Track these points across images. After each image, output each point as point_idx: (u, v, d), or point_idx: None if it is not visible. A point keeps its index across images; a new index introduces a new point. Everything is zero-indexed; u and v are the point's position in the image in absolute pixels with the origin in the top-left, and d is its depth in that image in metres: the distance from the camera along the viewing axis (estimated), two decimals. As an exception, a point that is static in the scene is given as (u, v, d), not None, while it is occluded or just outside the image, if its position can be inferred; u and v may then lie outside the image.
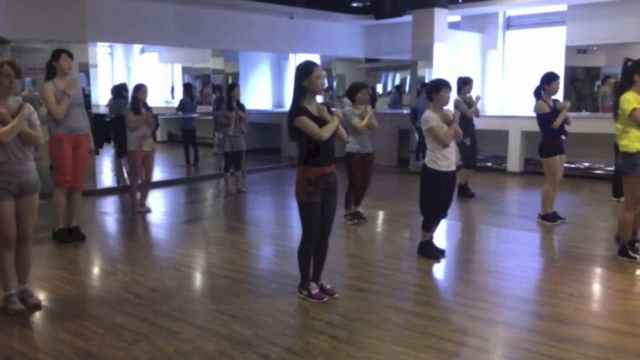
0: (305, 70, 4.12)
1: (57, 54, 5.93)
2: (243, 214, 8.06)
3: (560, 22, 10.69)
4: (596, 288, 4.92)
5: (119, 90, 10.49)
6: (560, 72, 10.49)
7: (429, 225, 5.44)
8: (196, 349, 3.61)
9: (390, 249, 6.04)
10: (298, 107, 4.13)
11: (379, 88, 14.58)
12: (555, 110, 6.46)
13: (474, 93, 8.63)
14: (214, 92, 11.41)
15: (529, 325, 3.99)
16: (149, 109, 7.62)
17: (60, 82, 5.90)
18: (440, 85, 5.16)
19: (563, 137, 6.54)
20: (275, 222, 7.64)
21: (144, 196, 7.79)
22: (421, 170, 5.37)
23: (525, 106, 11.08)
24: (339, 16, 12.22)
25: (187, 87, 12.16)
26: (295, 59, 13.80)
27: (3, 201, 4.03)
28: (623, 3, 9.74)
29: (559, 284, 4.90)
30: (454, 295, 4.68)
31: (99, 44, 10.25)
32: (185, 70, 14.15)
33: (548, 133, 6.49)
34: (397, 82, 14.28)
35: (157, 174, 9.35)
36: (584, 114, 10.44)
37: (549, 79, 6.50)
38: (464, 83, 8.34)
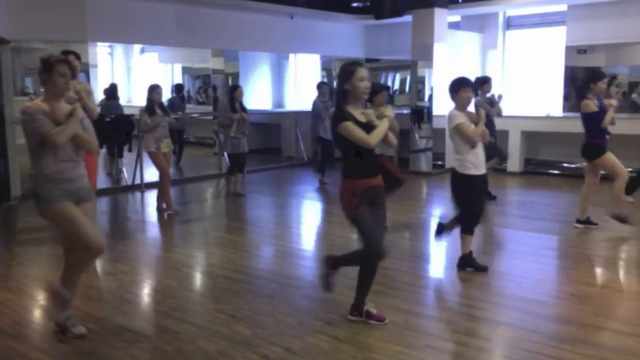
0: (346, 72, 3.75)
1: (64, 55, 5.80)
2: (243, 214, 8.06)
3: (560, 22, 10.69)
4: (596, 288, 4.91)
5: (112, 92, 10.49)
6: (560, 72, 10.55)
7: (472, 228, 5.05)
8: (196, 349, 3.61)
9: (391, 249, 6.02)
10: (341, 112, 3.75)
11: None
12: (602, 109, 6.21)
13: (493, 92, 8.39)
14: (212, 92, 11.41)
15: (529, 325, 3.99)
16: (165, 109, 7.49)
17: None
18: (459, 85, 4.89)
19: (607, 136, 6.29)
20: (275, 222, 7.64)
21: (169, 197, 7.62)
22: (451, 176, 5.06)
23: (525, 106, 11.11)
24: (339, 16, 12.22)
25: (178, 88, 12.17)
26: (296, 59, 13.82)
27: (64, 204, 3.62)
28: (623, 3, 9.74)
29: (559, 284, 4.90)
30: (455, 295, 4.68)
31: (99, 44, 10.26)
32: (185, 70, 14.15)
33: (593, 133, 6.24)
34: (397, 82, 14.27)
35: (157, 174, 9.33)
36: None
37: (596, 78, 6.25)
38: (482, 83, 8.03)
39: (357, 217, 3.77)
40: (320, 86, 9.89)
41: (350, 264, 4.03)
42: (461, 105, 4.91)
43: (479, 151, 4.90)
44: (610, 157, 6.26)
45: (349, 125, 3.67)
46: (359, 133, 3.67)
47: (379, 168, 3.91)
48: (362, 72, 3.72)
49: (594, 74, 6.36)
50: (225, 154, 8.94)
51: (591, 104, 6.22)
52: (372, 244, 3.78)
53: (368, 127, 3.72)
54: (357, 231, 3.87)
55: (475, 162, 4.87)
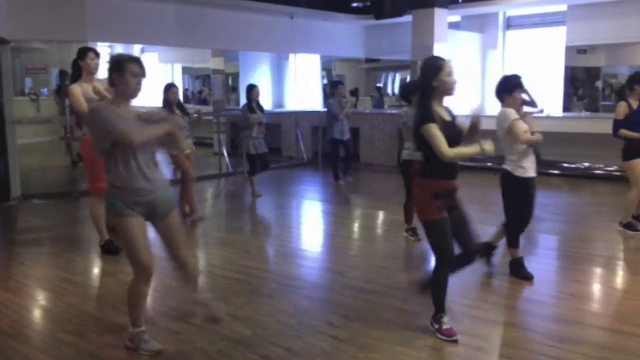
0: (434, 68, 3.57)
1: (83, 53, 5.46)
2: (243, 214, 8.06)
3: (560, 22, 10.69)
4: (596, 288, 4.92)
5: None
6: (560, 72, 10.55)
7: (518, 240, 4.87)
8: (196, 349, 3.61)
9: (390, 249, 6.04)
10: (427, 111, 3.56)
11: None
12: (638, 113, 6.02)
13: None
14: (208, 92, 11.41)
15: (529, 325, 3.99)
16: (184, 109, 7.23)
17: (88, 85, 5.40)
18: (514, 86, 4.68)
19: None
20: (275, 222, 7.64)
21: (193, 201, 7.22)
22: (503, 179, 4.81)
23: (525, 106, 11.11)
24: (339, 16, 12.23)
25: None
26: (295, 59, 13.82)
27: (129, 218, 3.36)
28: (623, 3, 9.75)
29: (559, 284, 4.90)
30: (454, 295, 4.67)
31: (99, 44, 10.25)
32: (185, 70, 14.15)
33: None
34: (397, 82, 14.29)
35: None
36: (583, 114, 10.44)
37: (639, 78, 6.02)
38: None
39: (438, 223, 3.61)
40: (335, 85, 9.63)
41: (438, 292, 3.77)
42: (515, 107, 4.71)
43: (531, 155, 4.72)
44: (637, 165, 6.09)
45: (434, 128, 3.51)
46: (439, 141, 3.49)
47: (458, 170, 3.71)
48: (450, 66, 3.57)
49: (637, 75, 6.10)
50: (247, 154, 8.61)
51: (621, 110, 6.08)
52: (446, 255, 3.66)
53: (453, 127, 3.61)
54: (430, 239, 3.70)
55: (532, 164, 4.68)
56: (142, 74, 3.39)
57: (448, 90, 3.59)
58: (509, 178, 4.73)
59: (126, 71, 3.33)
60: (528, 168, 4.65)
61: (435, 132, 3.50)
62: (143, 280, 3.47)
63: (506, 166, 4.76)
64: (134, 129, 3.30)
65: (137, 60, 3.38)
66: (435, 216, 3.60)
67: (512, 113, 4.64)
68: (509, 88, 4.69)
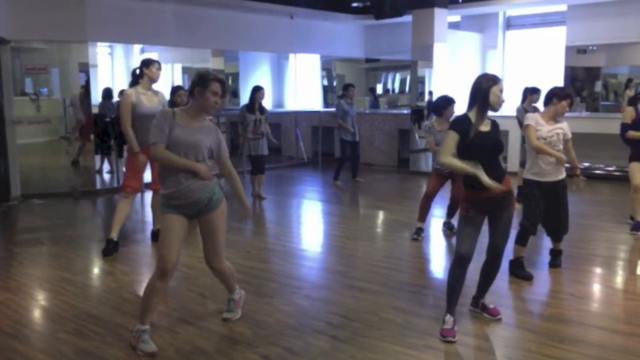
0: (490, 81, 3.74)
1: (149, 62, 5.65)
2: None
3: (560, 22, 10.69)
4: (596, 288, 4.91)
5: (108, 93, 10.56)
6: (560, 72, 10.55)
7: (526, 240, 4.92)
8: (196, 349, 3.61)
9: (390, 249, 6.04)
10: (462, 119, 3.78)
11: (379, 88, 14.59)
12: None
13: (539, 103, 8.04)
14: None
15: (529, 325, 3.99)
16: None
17: (145, 96, 5.59)
18: (562, 96, 4.79)
19: None
20: (275, 222, 7.64)
21: None
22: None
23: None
24: (339, 16, 12.22)
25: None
26: (296, 59, 13.82)
27: (167, 215, 3.57)
28: (623, 3, 9.74)
29: (559, 284, 4.90)
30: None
31: (99, 44, 10.26)
32: (185, 70, 14.13)
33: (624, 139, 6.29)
34: (397, 82, 14.28)
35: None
36: (584, 114, 10.44)
37: None
38: (531, 92, 7.56)
39: (460, 220, 3.86)
40: (347, 88, 9.68)
41: (447, 287, 3.87)
42: (555, 115, 4.85)
43: (545, 160, 4.80)
44: (631, 167, 6.31)
45: (450, 136, 3.73)
46: (446, 146, 3.74)
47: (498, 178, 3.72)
48: (501, 85, 3.77)
49: None
50: (247, 155, 8.71)
51: (628, 115, 6.23)
52: (457, 248, 3.85)
53: (486, 137, 3.73)
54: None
55: (541, 170, 4.78)
56: (223, 94, 3.56)
57: (495, 105, 3.76)
58: (524, 178, 4.97)
59: (208, 89, 3.50)
60: (540, 172, 4.79)
61: (448, 139, 3.74)
62: (158, 274, 3.53)
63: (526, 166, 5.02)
64: (164, 150, 3.48)
65: (220, 81, 3.54)
66: (461, 214, 3.84)
67: (530, 117, 4.84)
68: (560, 96, 4.83)
